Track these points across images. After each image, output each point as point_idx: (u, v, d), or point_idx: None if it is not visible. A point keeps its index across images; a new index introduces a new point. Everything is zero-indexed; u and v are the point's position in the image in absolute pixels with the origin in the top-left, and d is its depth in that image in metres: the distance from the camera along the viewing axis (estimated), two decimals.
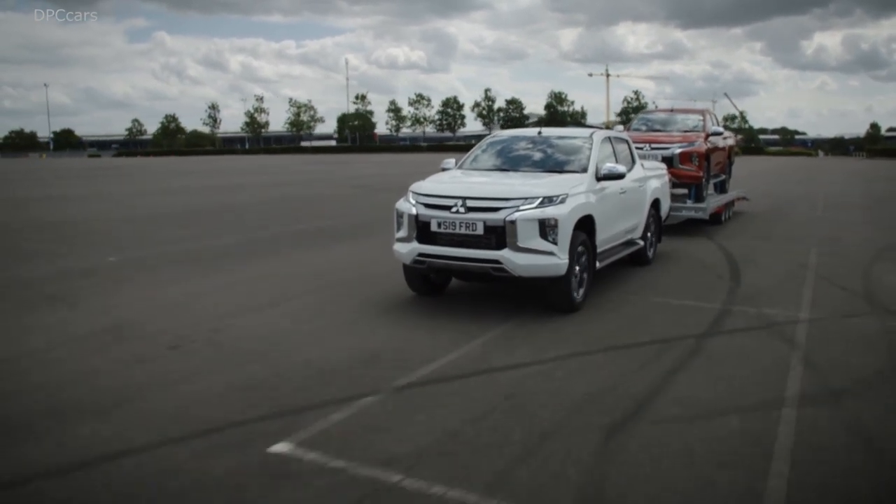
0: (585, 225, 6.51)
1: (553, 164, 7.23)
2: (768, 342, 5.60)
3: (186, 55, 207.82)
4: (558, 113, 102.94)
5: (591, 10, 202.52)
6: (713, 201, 12.24)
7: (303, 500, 3.14)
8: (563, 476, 3.33)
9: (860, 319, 6.29)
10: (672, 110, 14.65)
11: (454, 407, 4.18)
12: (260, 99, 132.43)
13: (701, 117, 13.39)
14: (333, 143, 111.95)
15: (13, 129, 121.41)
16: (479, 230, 6.03)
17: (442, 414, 4.07)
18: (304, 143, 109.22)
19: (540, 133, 7.93)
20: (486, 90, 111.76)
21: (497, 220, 5.97)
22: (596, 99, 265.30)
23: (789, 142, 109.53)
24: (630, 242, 8.13)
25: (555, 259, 5.99)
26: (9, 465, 3.50)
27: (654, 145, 11.71)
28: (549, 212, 6.01)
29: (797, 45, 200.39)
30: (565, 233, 6.06)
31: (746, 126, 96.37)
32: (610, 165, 7.09)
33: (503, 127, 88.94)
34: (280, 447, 3.64)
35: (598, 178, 6.95)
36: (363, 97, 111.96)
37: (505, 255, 5.94)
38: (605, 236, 7.08)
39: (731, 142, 15.27)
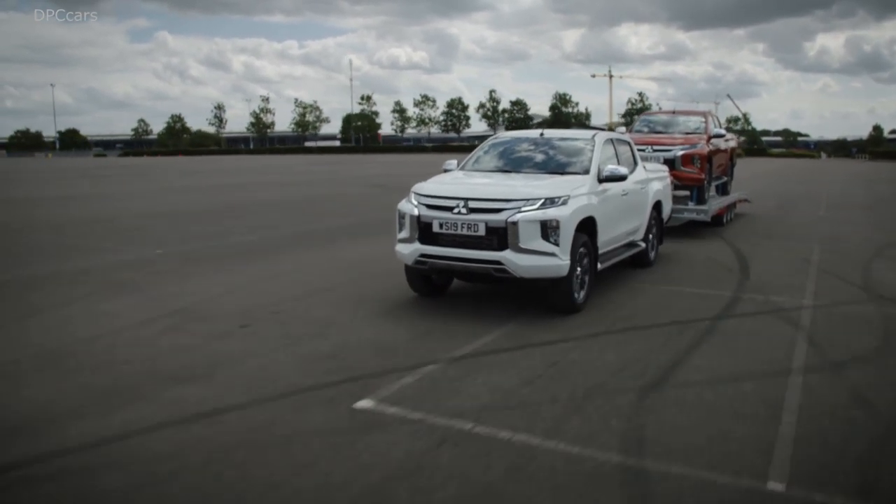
0: (587, 226, 6.56)
1: (555, 166, 7.29)
2: (776, 324, 6.24)
3: (188, 55, 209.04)
4: (563, 114, 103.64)
5: (593, 11, 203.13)
6: (715, 203, 12.38)
7: (393, 441, 3.78)
8: (608, 425, 3.97)
9: (859, 306, 6.93)
10: (674, 112, 14.68)
11: (506, 373, 4.83)
12: (266, 99, 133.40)
13: (703, 119, 13.51)
14: (337, 143, 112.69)
15: (19, 129, 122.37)
16: (481, 231, 6.08)
17: (496, 378, 4.72)
18: (309, 144, 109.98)
19: (542, 135, 8.01)
20: (491, 91, 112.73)
21: (499, 222, 6.02)
22: (598, 100, 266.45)
23: (792, 144, 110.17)
24: (632, 244, 8.20)
25: (556, 260, 6.04)
26: (120, 423, 4.08)
27: (655, 147, 11.76)
28: (551, 213, 6.06)
29: (800, 47, 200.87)
30: (567, 234, 6.11)
31: (749, 128, 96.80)
32: (612, 167, 7.14)
33: (508, 128, 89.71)
34: (364, 403, 4.29)
35: (600, 180, 7.01)
36: (368, 98, 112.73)
37: (507, 256, 5.99)
38: (607, 238, 7.13)
39: (732, 144, 15.38)
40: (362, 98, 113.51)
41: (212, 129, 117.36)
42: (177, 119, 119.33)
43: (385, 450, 3.67)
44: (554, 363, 5.06)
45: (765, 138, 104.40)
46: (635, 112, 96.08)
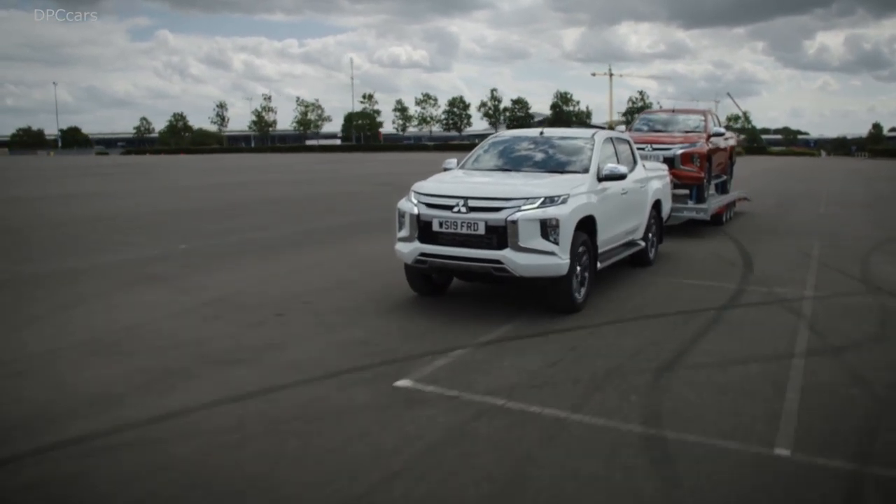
0: (587, 225, 6.57)
1: (555, 165, 7.30)
2: (779, 313, 6.63)
3: (189, 54, 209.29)
4: (564, 113, 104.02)
5: (593, 10, 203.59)
6: (714, 202, 12.39)
7: (435, 414, 4.16)
8: (627, 401, 4.36)
9: (857, 297, 7.32)
10: (673, 111, 14.71)
11: (530, 356, 5.22)
12: (268, 98, 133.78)
13: (702, 118, 13.51)
14: (338, 141, 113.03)
15: (21, 127, 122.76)
16: (481, 230, 6.10)
17: (521, 361, 5.11)
18: (310, 142, 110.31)
19: (542, 133, 8.02)
20: (493, 90, 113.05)
21: (498, 220, 6.03)
22: (599, 98, 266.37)
23: (792, 142, 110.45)
24: (631, 243, 8.21)
25: (556, 259, 6.05)
26: (180, 400, 4.45)
27: (655, 146, 11.75)
28: (551, 212, 6.07)
29: (799, 45, 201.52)
30: (566, 233, 6.12)
31: (750, 126, 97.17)
32: (611, 166, 7.15)
33: (509, 127, 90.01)
34: (403, 382, 4.67)
35: (600, 179, 7.02)
36: (370, 96, 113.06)
37: (506, 254, 6.00)
38: (607, 237, 7.14)
39: (732, 142, 15.41)
40: (364, 97, 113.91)
41: (214, 128, 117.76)
42: (179, 117, 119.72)
43: (428, 422, 4.06)
44: (573, 348, 5.45)
45: (765, 136, 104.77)
46: (636, 110, 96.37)
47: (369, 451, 3.70)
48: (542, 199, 6.14)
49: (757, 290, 7.54)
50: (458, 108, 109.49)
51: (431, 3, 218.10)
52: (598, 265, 6.92)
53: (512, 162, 7.58)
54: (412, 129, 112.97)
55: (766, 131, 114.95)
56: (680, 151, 11.70)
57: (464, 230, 6.19)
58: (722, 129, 13.72)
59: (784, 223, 13.93)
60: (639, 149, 9.41)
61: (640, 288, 7.66)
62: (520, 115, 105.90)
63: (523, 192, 6.23)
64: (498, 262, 6.05)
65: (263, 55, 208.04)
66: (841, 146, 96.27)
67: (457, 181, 6.96)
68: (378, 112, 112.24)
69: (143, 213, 15.94)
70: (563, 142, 7.75)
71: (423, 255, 6.41)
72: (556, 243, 6.06)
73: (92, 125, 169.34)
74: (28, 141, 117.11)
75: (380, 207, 16.85)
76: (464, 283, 7.66)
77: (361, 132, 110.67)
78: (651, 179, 8.93)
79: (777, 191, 22.32)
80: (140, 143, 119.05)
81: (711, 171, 12.75)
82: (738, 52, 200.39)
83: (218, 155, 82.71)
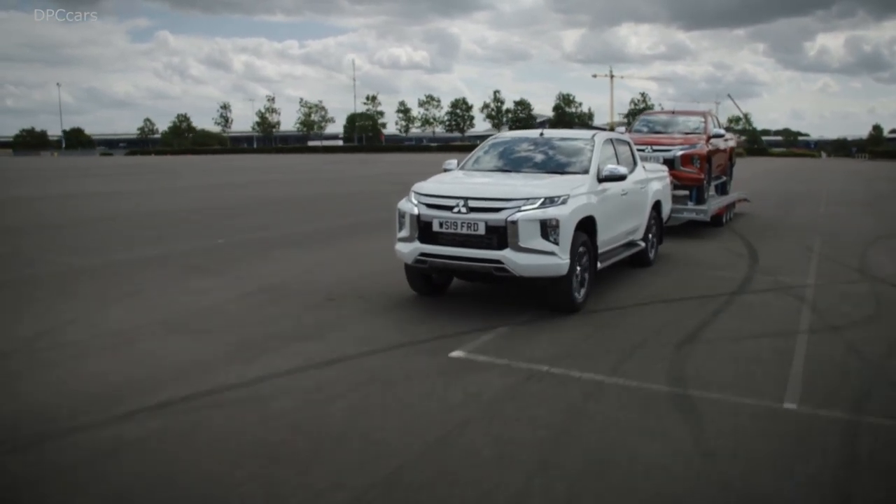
0: (587, 226, 6.62)
1: (555, 166, 7.36)
2: (784, 298, 7.30)
3: (189, 55, 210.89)
4: (566, 114, 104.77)
5: (593, 11, 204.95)
6: (714, 203, 12.49)
7: (490, 377, 4.83)
8: (655, 367, 5.03)
9: (855, 285, 7.99)
10: (673, 112, 14.75)
11: (564, 332, 5.90)
12: (272, 99, 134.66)
13: (702, 119, 13.62)
14: (340, 142, 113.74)
15: (24, 128, 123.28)
16: (481, 230, 6.15)
17: (558, 336, 5.79)
18: (312, 143, 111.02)
19: (542, 134, 8.08)
20: (496, 92, 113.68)
21: (499, 221, 6.09)
22: (599, 99, 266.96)
23: (792, 143, 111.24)
24: (631, 244, 8.29)
25: (556, 259, 6.11)
26: (262, 369, 5.11)
27: (655, 147, 11.84)
28: (551, 212, 6.13)
29: (800, 47, 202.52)
30: (567, 233, 6.17)
31: (750, 128, 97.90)
32: (611, 167, 7.21)
33: (512, 128, 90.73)
34: (457, 353, 5.34)
35: (600, 180, 7.07)
36: (374, 98, 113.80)
37: (506, 255, 6.06)
38: (607, 237, 7.19)
39: (732, 143, 15.52)
40: (368, 98, 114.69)
41: (217, 129, 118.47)
42: (182, 118, 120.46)
43: (485, 383, 4.72)
44: (602, 326, 6.13)
45: (765, 138, 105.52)
46: (638, 112, 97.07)
47: (440, 406, 4.36)
48: (542, 200, 6.20)
49: (764, 278, 8.21)
50: (460, 110, 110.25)
51: (432, 3, 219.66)
52: (598, 265, 7.00)
53: (512, 163, 7.66)
54: (415, 130, 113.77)
55: (766, 132, 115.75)
56: (680, 153, 11.81)
57: (464, 230, 6.25)
58: (722, 131, 13.90)
59: (786, 221, 14.58)
60: (639, 150, 9.51)
61: (655, 277, 8.32)
62: (522, 117, 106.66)
63: (523, 193, 6.29)
64: (498, 262, 6.12)
65: (264, 56, 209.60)
66: (841, 148, 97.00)
67: (457, 182, 7.02)
68: (382, 113, 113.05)
69: (172, 210, 16.60)
70: (563, 143, 7.82)
71: (423, 255, 6.48)
72: (556, 243, 6.12)
73: (92, 126, 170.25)
74: (31, 142, 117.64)
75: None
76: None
77: (364, 133, 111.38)
78: (651, 180, 9.02)
79: (778, 191, 23.00)
80: (143, 144, 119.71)
81: (711, 172, 12.88)
82: (739, 53, 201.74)
83: (222, 156, 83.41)
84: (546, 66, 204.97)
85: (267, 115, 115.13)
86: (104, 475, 3.54)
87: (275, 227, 13.13)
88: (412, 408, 4.33)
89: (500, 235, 6.10)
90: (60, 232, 12.96)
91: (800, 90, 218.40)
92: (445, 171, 7.78)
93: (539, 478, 3.47)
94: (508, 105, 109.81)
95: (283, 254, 10.12)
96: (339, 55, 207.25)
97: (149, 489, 3.40)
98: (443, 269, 6.62)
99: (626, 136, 9.53)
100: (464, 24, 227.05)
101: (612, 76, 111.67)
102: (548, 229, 6.10)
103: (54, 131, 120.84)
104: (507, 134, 8.74)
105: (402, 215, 6.77)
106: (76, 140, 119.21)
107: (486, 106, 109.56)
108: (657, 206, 9.13)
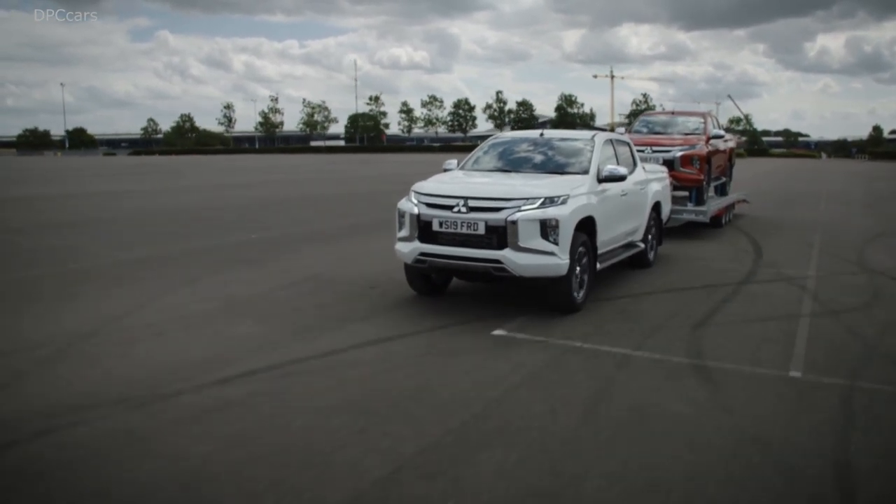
0: (586, 226, 6.66)
1: (555, 166, 7.42)
2: (787, 287, 7.98)
3: (189, 54, 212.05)
4: (568, 115, 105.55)
5: (593, 11, 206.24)
6: (714, 204, 12.58)
7: (530, 352, 5.49)
8: (674, 345, 5.70)
9: (853, 276, 8.66)
10: (673, 113, 14.81)
11: (590, 315, 6.58)
12: (275, 99, 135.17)
13: (702, 120, 13.68)
14: (342, 143, 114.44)
15: (27, 128, 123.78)
16: (481, 230, 6.20)
17: (586, 318, 6.47)
18: (314, 143, 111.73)
19: (542, 135, 8.14)
20: (498, 92, 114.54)
21: (498, 220, 6.14)
22: (599, 100, 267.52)
23: (793, 144, 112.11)
24: (631, 244, 8.36)
25: (556, 259, 6.16)
26: (324, 346, 5.75)
27: (655, 148, 11.90)
28: (551, 212, 6.17)
29: (800, 47, 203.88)
30: (566, 233, 6.22)
31: (751, 128, 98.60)
32: (611, 167, 7.24)
33: (514, 128, 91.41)
34: (498, 332, 6.01)
35: (600, 180, 7.12)
36: (377, 98, 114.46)
37: (506, 254, 6.11)
38: (606, 238, 7.24)
39: (731, 144, 15.59)
40: (371, 98, 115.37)
41: (220, 129, 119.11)
42: (186, 118, 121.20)
43: (527, 356, 5.39)
44: (622, 311, 6.80)
45: (765, 138, 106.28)
46: (640, 112, 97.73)
47: (493, 373, 5.03)
48: (542, 200, 6.24)
49: (767, 270, 8.89)
50: (463, 110, 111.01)
51: (432, 4, 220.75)
52: (598, 266, 7.06)
53: (512, 163, 7.71)
54: (418, 131, 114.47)
55: (766, 133, 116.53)
56: (679, 154, 11.89)
57: (464, 230, 6.30)
58: (721, 132, 13.96)
59: (788, 219, 15.24)
60: (638, 151, 9.54)
61: (666, 270, 8.98)
62: (524, 117, 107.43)
63: (523, 193, 6.33)
64: (498, 261, 6.17)
65: (264, 56, 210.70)
66: (841, 148, 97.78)
67: (457, 181, 7.06)
68: (384, 114, 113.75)
69: (198, 208, 17.25)
70: (562, 143, 7.86)
71: (422, 254, 6.54)
72: (556, 243, 6.17)
73: (92, 125, 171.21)
74: (34, 142, 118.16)
75: None
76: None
77: (366, 133, 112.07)
78: (651, 181, 9.06)
79: (779, 191, 23.69)
80: (145, 143, 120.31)
81: (711, 173, 12.94)
82: (739, 53, 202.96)
83: (226, 156, 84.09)
84: (546, 66, 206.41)
85: (270, 115, 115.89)
86: (214, 427, 4.19)
87: (301, 224, 13.80)
88: (469, 374, 5.00)
89: (500, 235, 6.16)
90: (98, 228, 13.60)
91: (800, 91, 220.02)
92: (445, 170, 7.84)
93: (587, 425, 4.14)
94: (511, 105, 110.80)
95: (315, 248, 10.78)
96: (339, 55, 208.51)
97: (255, 437, 4.04)
98: (442, 268, 6.68)
99: (626, 137, 9.67)
100: (464, 24, 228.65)
101: (612, 77, 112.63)
102: (547, 229, 6.16)
103: (56, 131, 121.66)
104: (506, 134, 8.81)
105: (401, 215, 6.86)
106: (79, 140, 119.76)
107: (488, 106, 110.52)
108: (657, 206, 9.21)
